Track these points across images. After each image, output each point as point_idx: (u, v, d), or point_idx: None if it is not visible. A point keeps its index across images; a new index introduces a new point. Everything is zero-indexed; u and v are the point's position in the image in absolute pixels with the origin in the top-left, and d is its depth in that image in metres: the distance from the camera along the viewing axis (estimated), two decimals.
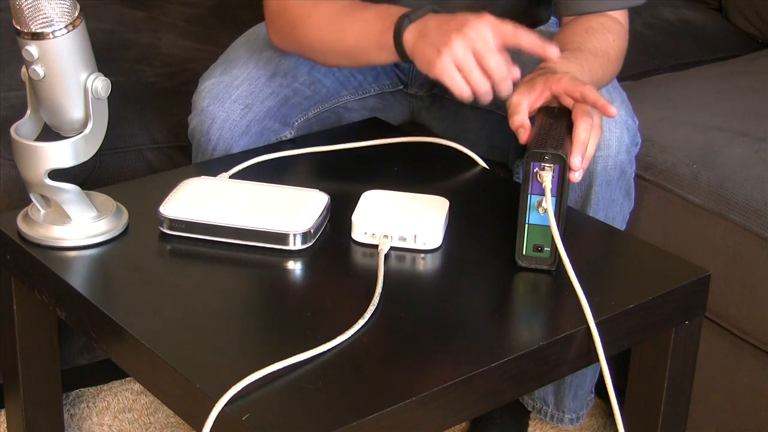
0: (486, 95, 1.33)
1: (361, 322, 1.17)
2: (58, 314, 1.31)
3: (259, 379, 1.08)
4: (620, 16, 1.58)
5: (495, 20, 1.32)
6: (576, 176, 1.28)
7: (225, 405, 1.05)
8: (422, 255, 1.32)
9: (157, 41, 2.05)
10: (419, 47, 1.36)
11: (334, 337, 1.14)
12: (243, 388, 1.06)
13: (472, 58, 1.31)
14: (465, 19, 1.32)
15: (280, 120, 1.61)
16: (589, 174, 1.51)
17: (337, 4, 1.50)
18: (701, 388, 1.62)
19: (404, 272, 1.30)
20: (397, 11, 1.41)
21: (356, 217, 1.34)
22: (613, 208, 1.55)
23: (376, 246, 1.31)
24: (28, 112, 1.33)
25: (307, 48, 1.54)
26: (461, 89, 1.32)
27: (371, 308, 1.19)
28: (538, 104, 1.34)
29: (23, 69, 1.28)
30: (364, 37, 1.45)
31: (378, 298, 1.21)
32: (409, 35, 1.38)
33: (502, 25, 1.32)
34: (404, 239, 1.32)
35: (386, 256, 1.30)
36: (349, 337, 1.15)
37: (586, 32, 1.53)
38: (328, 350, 1.13)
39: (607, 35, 1.53)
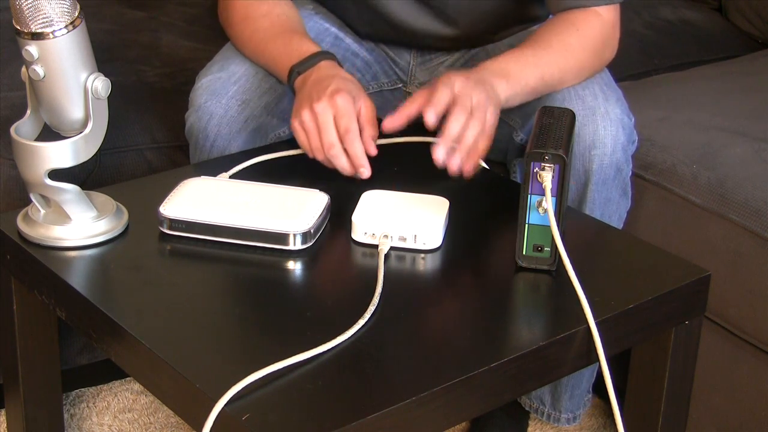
0: (325, 162, 1.42)
1: (361, 322, 1.17)
2: (58, 314, 1.31)
3: (259, 379, 1.08)
4: (603, 12, 1.57)
5: (345, 100, 1.39)
6: (439, 161, 1.32)
7: (225, 405, 1.05)
8: (422, 255, 1.32)
9: (157, 41, 2.05)
10: (297, 98, 1.47)
11: (334, 337, 1.14)
12: (243, 388, 1.06)
13: (314, 127, 1.41)
14: (321, 91, 1.41)
15: (277, 116, 1.61)
16: (585, 173, 1.51)
17: (260, 24, 1.58)
18: (701, 388, 1.62)
19: (404, 272, 1.30)
20: (299, 52, 1.51)
21: (356, 217, 1.34)
22: (609, 207, 1.55)
23: (376, 246, 1.31)
24: (28, 112, 1.33)
25: (236, 47, 1.63)
26: (304, 149, 1.43)
27: (371, 308, 1.19)
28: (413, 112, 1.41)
29: (23, 69, 1.28)
30: (271, 67, 1.58)
31: (378, 298, 1.21)
32: (297, 84, 1.50)
33: (347, 105, 1.39)
34: (404, 239, 1.32)
35: (386, 256, 1.30)
36: (349, 337, 1.15)
37: (548, 27, 1.54)
38: (328, 350, 1.13)
39: (569, 27, 1.54)
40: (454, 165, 1.32)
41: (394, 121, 1.41)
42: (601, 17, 1.56)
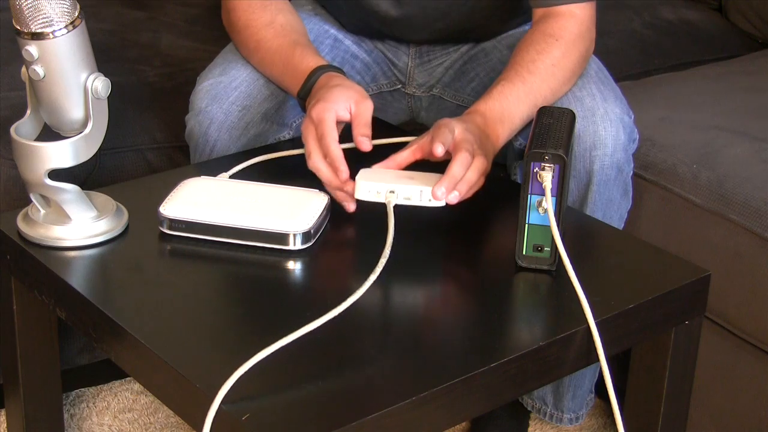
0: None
1: (373, 277, 1.18)
2: (58, 314, 1.31)
3: (259, 378, 1.08)
4: (579, 11, 1.56)
5: (318, 110, 1.39)
6: (441, 202, 1.32)
7: (225, 405, 1.05)
8: (422, 257, 1.32)
9: (157, 41, 2.05)
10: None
11: (334, 335, 1.14)
12: (243, 387, 1.06)
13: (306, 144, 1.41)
14: (313, 106, 1.41)
15: (277, 122, 1.61)
16: (586, 174, 1.51)
17: (263, 35, 1.58)
18: (701, 388, 1.62)
19: (405, 271, 1.30)
20: (301, 70, 1.51)
21: (360, 177, 1.33)
22: (611, 208, 1.55)
23: (382, 204, 1.31)
24: (28, 112, 1.33)
25: (242, 54, 1.63)
26: (308, 158, 1.40)
27: (382, 260, 1.19)
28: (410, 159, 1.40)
29: (23, 69, 1.28)
30: (278, 83, 1.58)
31: (387, 254, 1.22)
32: (307, 108, 1.46)
33: (319, 114, 1.39)
34: (409, 198, 1.31)
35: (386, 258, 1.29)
36: (351, 305, 1.15)
37: (527, 47, 1.53)
38: (325, 323, 1.13)
39: (548, 40, 1.53)
40: (454, 200, 1.33)
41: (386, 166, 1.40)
42: (576, 16, 1.55)
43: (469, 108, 1.47)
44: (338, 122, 1.40)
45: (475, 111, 1.46)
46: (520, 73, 1.50)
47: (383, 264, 1.22)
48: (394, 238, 1.26)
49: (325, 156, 1.37)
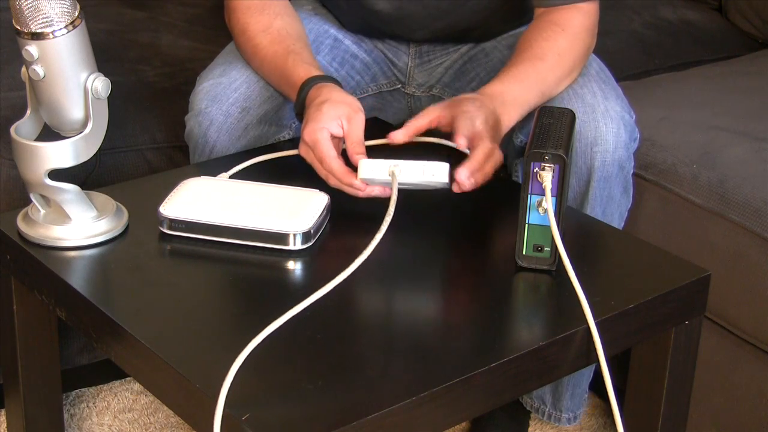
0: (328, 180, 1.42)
1: (378, 236, 1.19)
2: (58, 314, 1.31)
3: (259, 378, 1.07)
4: (584, 5, 1.58)
5: (310, 133, 1.40)
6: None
7: (225, 404, 1.05)
8: (422, 254, 1.32)
9: (157, 41, 2.05)
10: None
11: (334, 335, 1.14)
12: (243, 387, 1.06)
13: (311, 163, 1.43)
14: (304, 128, 1.41)
15: (277, 123, 1.61)
16: (587, 170, 1.51)
17: (259, 41, 1.58)
18: (701, 388, 1.62)
19: (402, 271, 1.30)
20: (294, 81, 1.51)
21: (364, 160, 1.35)
22: (611, 205, 1.55)
23: (387, 183, 1.32)
24: (28, 112, 1.33)
25: (243, 57, 1.63)
26: (327, 181, 1.41)
27: (387, 219, 1.21)
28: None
29: (23, 69, 1.28)
30: (276, 88, 1.59)
31: (392, 212, 1.23)
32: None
33: (312, 139, 1.40)
34: (412, 174, 1.33)
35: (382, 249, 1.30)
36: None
37: (534, 35, 1.56)
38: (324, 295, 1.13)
39: (554, 29, 1.56)
40: (470, 185, 1.36)
41: (403, 136, 1.42)
42: (581, 9, 1.58)
43: (482, 89, 1.48)
44: (333, 137, 1.41)
45: (490, 94, 1.47)
46: (529, 58, 1.53)
47: (388, 222, 1.25)
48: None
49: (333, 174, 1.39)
